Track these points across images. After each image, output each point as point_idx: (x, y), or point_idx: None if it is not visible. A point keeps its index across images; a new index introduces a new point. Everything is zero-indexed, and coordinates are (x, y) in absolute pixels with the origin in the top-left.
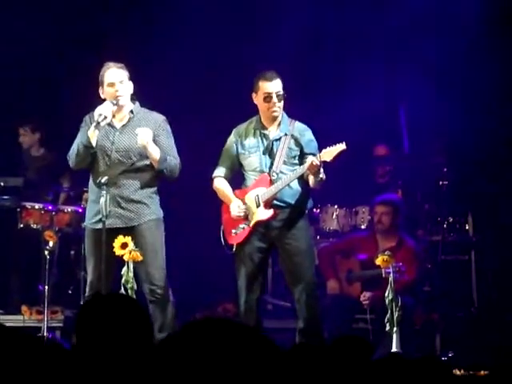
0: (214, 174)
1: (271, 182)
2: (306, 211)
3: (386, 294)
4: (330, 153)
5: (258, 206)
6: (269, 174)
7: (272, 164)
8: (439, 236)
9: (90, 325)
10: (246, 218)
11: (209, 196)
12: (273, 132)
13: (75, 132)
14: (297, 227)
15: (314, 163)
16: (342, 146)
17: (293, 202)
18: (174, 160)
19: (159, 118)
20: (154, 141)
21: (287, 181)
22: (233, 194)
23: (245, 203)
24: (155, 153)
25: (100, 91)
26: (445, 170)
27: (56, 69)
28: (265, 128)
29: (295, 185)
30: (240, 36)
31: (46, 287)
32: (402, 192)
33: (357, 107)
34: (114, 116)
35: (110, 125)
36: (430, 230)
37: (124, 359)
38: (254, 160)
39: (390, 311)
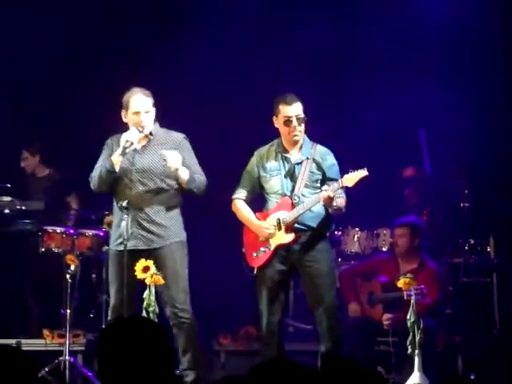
0: (234, 196)
1: (293, 206)
2: (328, 234)
3: (408, 317)
4: (351, 179)
5: (279, 229)
6: (290, 197)
7: (294, 187)
8: (461, 258)
9: (112, 349)
10: (268, 241)
11: (230, 218)
12: (294, 155)
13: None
14: (318, 250)
15: (328, 196)
16: (363, 173)
17: (314, 226)
18: (200, 177)
19: (179, 137)
20: None
21: (309, 205)
22: (254, 216)
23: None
24: (184, 174)
25: (123, 114)
26: (466, 191)
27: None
28: (286, 151)
29: (317, 208)
30: (260, 57)
31: (68, 311)
32: (428, 214)
33: (379, 129)
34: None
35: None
36: (451, 252)
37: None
38: (275, 183)
39: (411, 333)
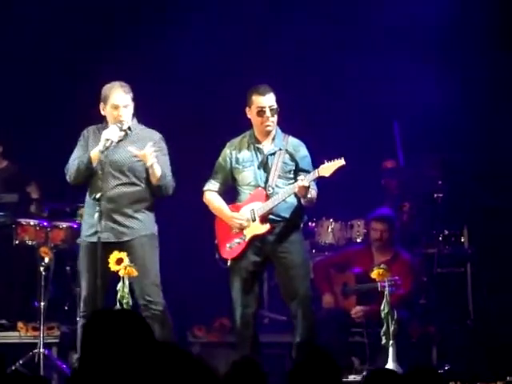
0: (205, 187)
1: (267, 197)
2: (301, 225)
3: (382, 308)
4: (328, 168)
5: (253, 220)
6: (264, 188)
7: (267, 179)
8: (435, 249)
9: (96, 342)
10: (242, 232)
11: (202, 210)
12: (267, 146)
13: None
14: (292, 241)
15: (304, 185)
16: (340, 162)
17: (288, 216)
18: (170, 178)
19: (156, 136)
20: None
21: (284, 196)
22: (228, 208)
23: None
24: (157, 170)
25: (101, 107)
26: (439, 182)
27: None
28: (259, 142)
29: (290, 199)
30: (234, 48)
31: (42, 303)
32: (409, 205)
33: (352, 121)
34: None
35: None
36: (425, 242)
37: (132, 374)
38: (248, 174)
39: (385, 324)
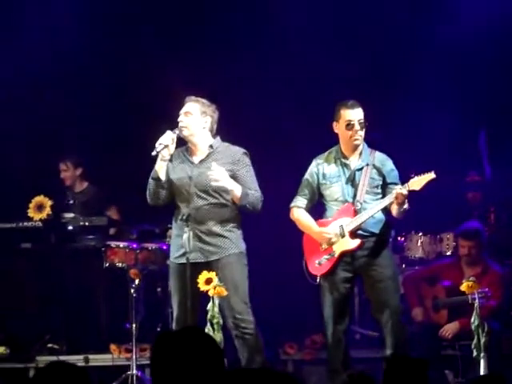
0: (292, 204)
1: (355, 212)
2: (390, 240)
3: (472, 320)
4: (418, 182)
5: (342, 236)
6: (353, 203)
7: (355, 194)
8: None
9: (164, 360)
10: (331, 248)
11: (290, 227)
12: (354, 161)
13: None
14: (381, 256)
15: (402, 193)
16: (431, 175)
17: (377, 231)
18: (255, 193)
19: (238, 152)
20: (234, 175)
21: (373, 211)
22: (315, 224)
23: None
24: (236, 190)
25: None
26: None
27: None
28: (346, 157)
29: (378, 214)
30: (319, 67)
31: (134, 325)
32: (493, 216)
33: (437, 134)
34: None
35: (188, 160)
36: None
37: None
38: (335, 190)
39: (476, 337)
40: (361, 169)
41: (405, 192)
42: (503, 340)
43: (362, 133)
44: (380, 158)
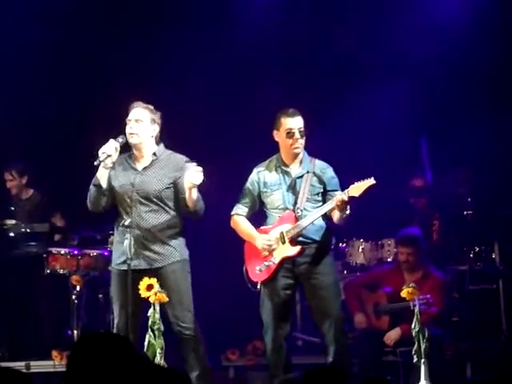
0: (233, 212)
1: (296, 219)
2: (331, 247)
3: (413, 326)
4: (358, 188)
5: (283, 242)
6: (293, 210)
7: (296, 201)
8: (466, 266)
9: (79, 367)
10: (272, 254)
11: (231, 234)
12: (295, 169)
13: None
14: (322, 263)
15: (343, 199)
16: (370, 181)
17: (317, 238)
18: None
19: (181, 160)
20: (176, 182)
21: (314, 217)
22: (256, 231)
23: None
24: (194, 194)
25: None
26: (469, 199)
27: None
28: (286, 165)
29: (318, 221)
30: (255, 74)
31: (75, 331)
32: (439, 223)
33: (378, 140)
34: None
35: (131, 167)
36: (456, 259)
37: None
38: (276, 197)
39: (416, 343)
40: (301, 176)
41: (345, 198)
42: (445, 346)
43: (303, 141)
44: (320, 165)
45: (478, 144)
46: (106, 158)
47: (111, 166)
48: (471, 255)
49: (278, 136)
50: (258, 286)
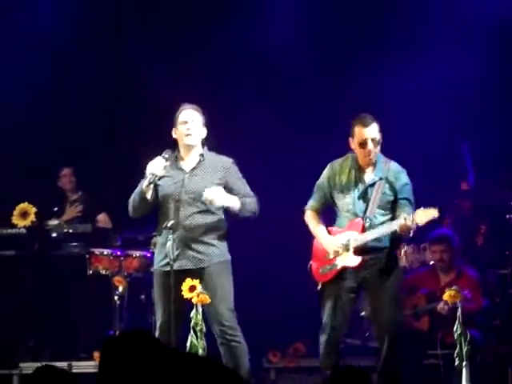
0: (306, 207)
1: (363, 228)
2: (398, 253)
3: (455, 329)
4: (423, 216)
5: (347, 250)
6: (362, 218)
7: (366, 209)
8: (507, 269)
9: (111, 369)
10: (335, 259)
11: (279, 234)
12: (368, 174)
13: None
14: (389, 269)
15: (406, 224)
16: (434, 212)
17: (388, 244)
18: (252, 199)
19: (227, 162)
20: (226, 183)
21: (380, 233)
22: (326, 231)
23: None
24: (233, 205)
25: (173, 131)
26: (511, 203)
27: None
28: (361, 169)
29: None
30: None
31: (117, 332)
32: (486, 227)
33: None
34: (182, 159)
35: (177, 167)
36: (498, 263)
37: None
38: (348, 202)
39: (458, 346)
40: (373, 184)
41: (409, 223)
42: (486, 349)
43: (377, 150)
44: (395, 170)
45: None
46: (154, 179)
47: (158, 181)
48: None
49: (353, 144)
50: (319, 286)
